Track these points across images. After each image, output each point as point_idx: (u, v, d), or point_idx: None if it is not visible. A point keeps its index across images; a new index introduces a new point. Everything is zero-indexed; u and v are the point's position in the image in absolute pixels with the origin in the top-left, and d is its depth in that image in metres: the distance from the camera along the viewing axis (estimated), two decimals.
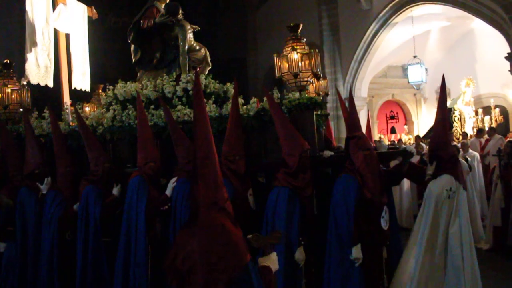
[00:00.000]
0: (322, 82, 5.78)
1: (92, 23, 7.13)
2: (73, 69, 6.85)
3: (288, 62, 3.99)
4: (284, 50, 4.09)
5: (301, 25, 4.18)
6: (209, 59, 5.50)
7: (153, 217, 3.73)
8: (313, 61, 3.97)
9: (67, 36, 6.64)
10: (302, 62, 3.96)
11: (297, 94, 4.09)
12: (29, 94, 5.44)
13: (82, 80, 6.92)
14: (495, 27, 9.53)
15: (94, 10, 7.15)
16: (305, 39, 4.19)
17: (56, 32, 6.41)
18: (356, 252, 3.25)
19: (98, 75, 7.68)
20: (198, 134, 2.33)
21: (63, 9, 6.50)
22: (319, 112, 4.54)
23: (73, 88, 6.87)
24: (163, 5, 5.40)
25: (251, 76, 14.32)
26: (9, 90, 5.25)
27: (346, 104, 4.66)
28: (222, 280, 2.03)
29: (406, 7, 10.65)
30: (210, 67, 5.50)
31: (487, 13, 9.45)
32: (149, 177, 3.84)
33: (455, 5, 9.95)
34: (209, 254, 2.07)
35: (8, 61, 5.51)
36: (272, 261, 2.32)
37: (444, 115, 3.80)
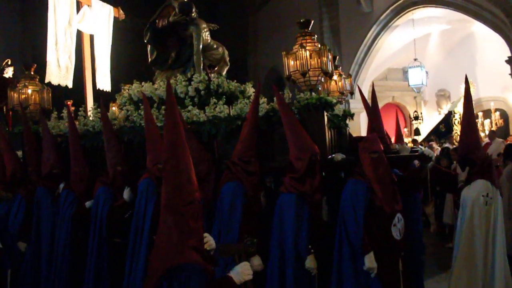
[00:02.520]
0: (347, 80, 5.12)
1: (116, 24, 6.66)
2: (97, 70, 6.44)
3: (296, 60, 3.36)
4: (293, 48, 3.47)
5: (312, 21, 3.55)
6: (228, 58, 4.95)
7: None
8: (324, 58, 3.34)
9: (91, 37, 6.20)
10: (314, 60, 3.32)
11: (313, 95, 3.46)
12: (50, 95, 5.01)
13: (103, 80, 6.51)
14: (495, 30, 8.78)
15: (121, 11, 6.67)
16: (316, 36, 3.55)
17: (79, 33, 5.98)
18: (369, 261, 2.70)
19: (123, 74, 7.27)
20: (166, 140, 2.18)
21: (88, 11, 6.05)
22: (341, 112, 3.96)
23: (97, 88, 6.48)
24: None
25: (251, 77, 13.66)
26: (29, 91, 4.81)
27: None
28: (158, 271, 1.90)
29: (407, 10, 9.87)
30: (228, 66, 4.96)
31: (488, 16, 8.71)
32: (158, 178, 3.36)
33: (455, 9, 9.19)
34: (155, 250, 2.01)
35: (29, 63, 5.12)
36: (236, 272, 2.00)
37: (471, 116, 3.20)
